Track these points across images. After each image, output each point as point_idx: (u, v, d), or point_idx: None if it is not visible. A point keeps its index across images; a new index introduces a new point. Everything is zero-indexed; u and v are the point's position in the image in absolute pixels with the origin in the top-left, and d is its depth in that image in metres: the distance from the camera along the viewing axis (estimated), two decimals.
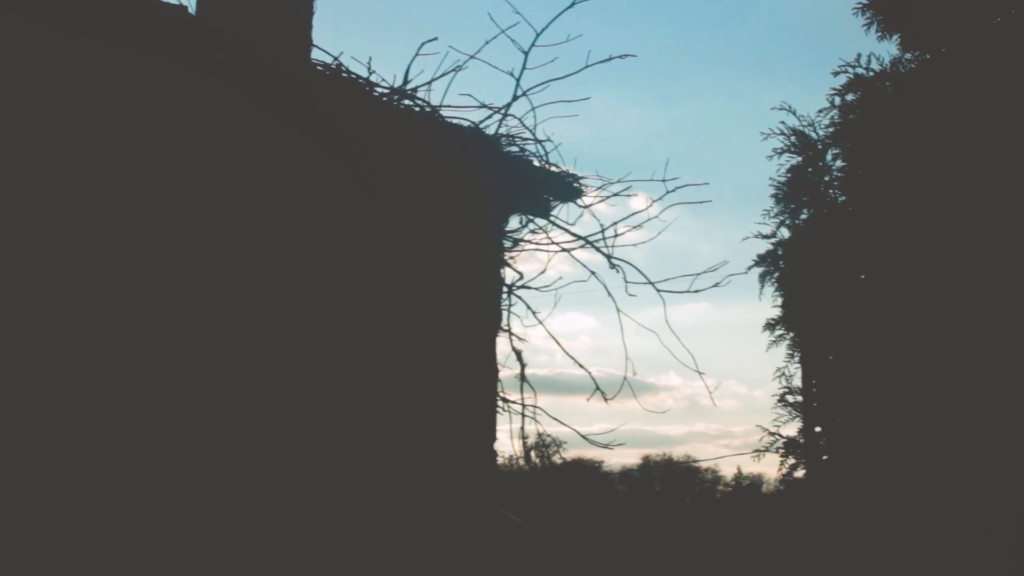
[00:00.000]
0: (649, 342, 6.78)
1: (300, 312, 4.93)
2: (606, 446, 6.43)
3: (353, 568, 4.87)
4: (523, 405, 6.39)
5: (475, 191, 5.89)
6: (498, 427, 6.06)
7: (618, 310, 6.59)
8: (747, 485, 46.03)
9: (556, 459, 7.44)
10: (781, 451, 11.61)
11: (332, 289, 5.10)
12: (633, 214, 6.54)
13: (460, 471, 5.67)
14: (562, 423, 6.53)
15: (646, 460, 49.42)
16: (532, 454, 7.11)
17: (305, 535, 4.68)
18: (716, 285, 6.53)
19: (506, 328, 6.46)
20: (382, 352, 5.26)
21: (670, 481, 47.64)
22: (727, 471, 73.29)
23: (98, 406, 4.15)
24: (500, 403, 6.22)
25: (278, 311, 4.84)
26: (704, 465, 50.76)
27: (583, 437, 6.43)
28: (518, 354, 6.50)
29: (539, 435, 6.89)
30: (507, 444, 6.64)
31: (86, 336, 4.18)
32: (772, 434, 11.42)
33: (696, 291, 6.49)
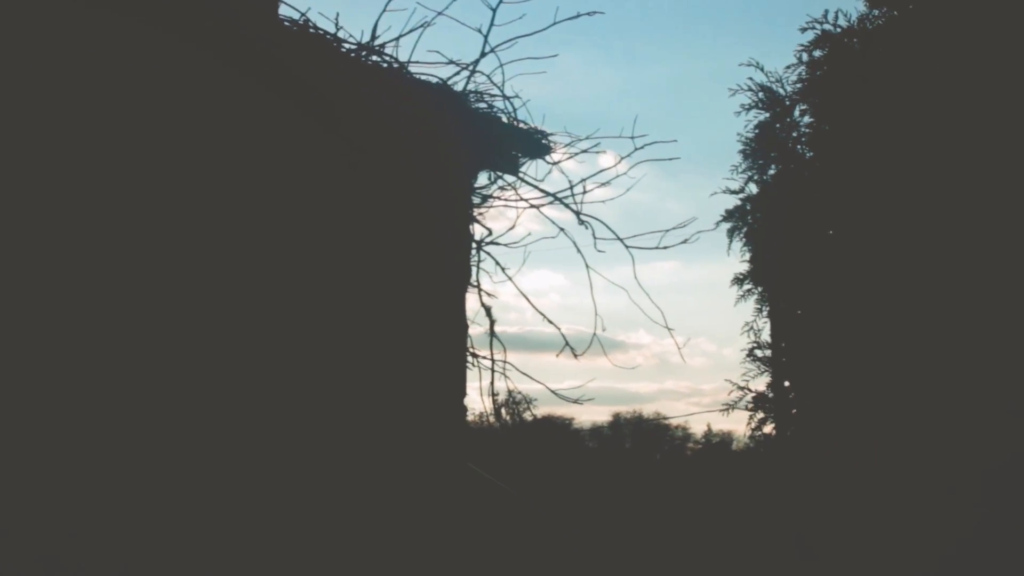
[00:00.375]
0: (618, 299, 6.87)
1: (266, 268, 4.96)
2: (576, 401, 6.53)
3: (320, 522, 4.94)
4: (492, 360, 6.47)
5: (443, 147, 5.93)
6: (468, 384, 6.13)
7: (587, 267, 6.67)
8: (717, 442, 46.50)
9: (526, 416, 7.52)
10: (750, 406, 11.73)
11: (299, 246, 5.14)
12: (601, 171, 6.61)
13: (429, 426, 5.74)
14: (532, 378, 6.62)
15: (616, 417, 49.81)
16: (502, 411, 7.19)
17: (269, 488, 4.74)
18: (685, 242, 6.62)
19: (475, 284, 6.53)
20: (350, 307, 5.31)
21: (640, 438, 48.04)
22: (697, 428, 73.80)
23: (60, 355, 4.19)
24: (469, 359, 6.29)
25: (243, 269, 4.88)
26: (674, 422, 51.15)
27: (553, 392, 6.53)
28: (487, 310, 6.57)
29: (509, 392, 6.98)
30: (477, 401, 6.73)
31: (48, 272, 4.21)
32: (741, 388, 11.54)
33: (665, 247, 6.58)
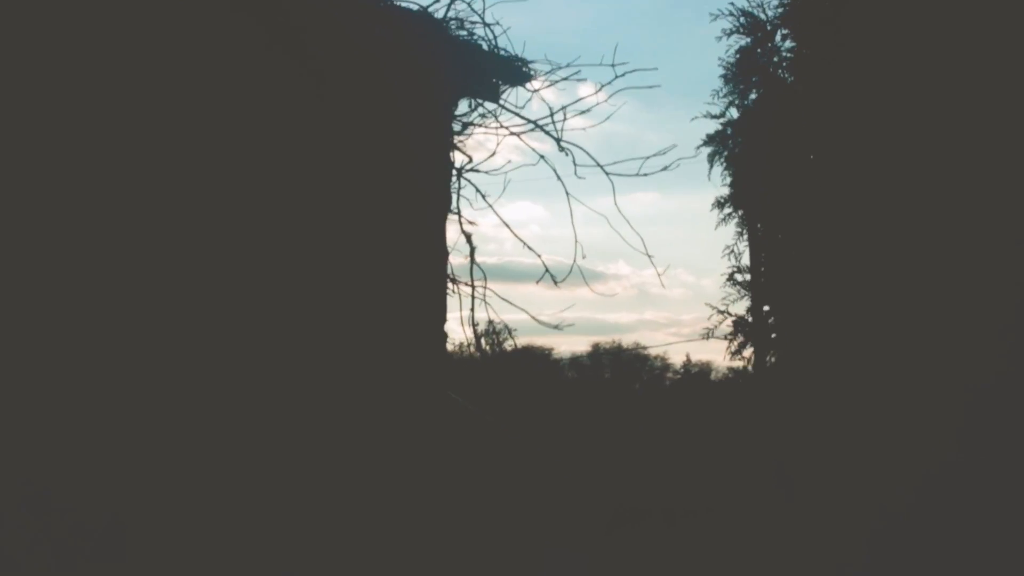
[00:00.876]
0: (598, 231, 6.96)
1: (246, 198, 5.02)
2: (556, 327, 6.63)
3: (301, 447, 5.03)
4: (473, 287, 6.56)
5: (423, 74, 5.97)
6: (449, 314, 6.22)
7: (567, 194, 6.75)
8: (696, 372, 46.84)
9: (506, 346, 7.62)
10: (730, 335, 11.87)
11: (279, 174, 5.19)
12: (581, 99, 6.66)
13: (410, 353, 5.83)
14: (512, 304, 6.71)
15: (596, 348, 50.08)
16: (482, 341, 7.27)
17: (250, 409, 4.82)
18: (665, 169, 6.70)
19: (456, 211, 6.59)
20: (331, 234, 5.37)
21: (620, 368, 48.35)
22: (676, 358, 74.24)
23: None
24: (450, 286, 6.37)
25: (223, 198, 4.92)
26: (653, 352, 51.57)
27: (533, 318, 6.62)
28: (468, 237, 6.64)
29: (490, 322, 7.06)
30: (458, 331, 6.81)
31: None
32: (721, 313, 11.69)
33: (645, 175, 6.66)
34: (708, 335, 11.77)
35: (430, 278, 6.00)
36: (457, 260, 6.53)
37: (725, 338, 12.04)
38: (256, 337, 4.95)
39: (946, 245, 9.43)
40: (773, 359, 11.25)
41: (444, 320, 6.09)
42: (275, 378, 4.96)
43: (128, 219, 4.53)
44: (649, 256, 7.00)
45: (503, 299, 6.67)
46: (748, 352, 11.57)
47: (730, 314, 11.60)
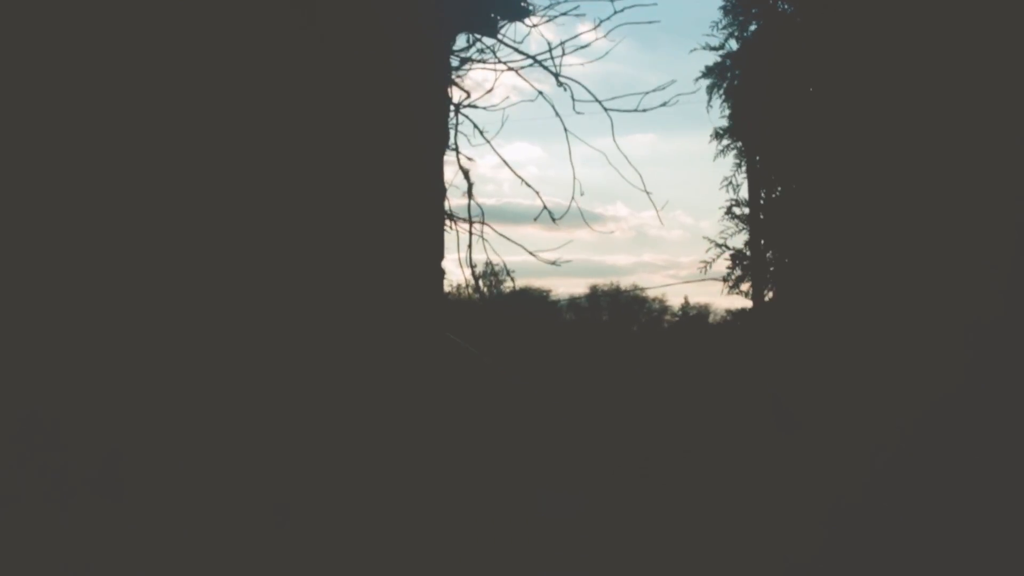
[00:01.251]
0: (596, 172, 6.97)
1: (240, 132, 5.00)
2: (554, 263, 6.62)
3: (296, 391, 5.05)
4: (471, 223, 6.55)
5: (420, 7, 5.92)
6: (446, 253, 6.22)
7: (566, 130, 6.72)
8: (694, 315, 47.00)
9: (504, 288, 7.61)
10: (729, 268, 11.90)
11: (270, 108, 5.16)
12: (580, 35, 6.62)
13: (407, 291, 5.83)
14: (509, 239, 6.70)
15: (593, 289, 50.17)
16: (480, 282, 7.26)
17: (247, 343, 4.83)
18: (664, 104, 6.66)
19: (454, 147, 6.57)
20: (326, 168, 5.36)
21: (618, 310, 48.48)
22: (674, 301, 74.48)
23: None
24: (448, 223, 6.36)
25: (216, 133, 4.90)
26: (651, 294, 51.67)
27: (531, 254, 6.61)
28: (465, 173, 6.62)
29: (487, 263, 7.05)
30: (455, 273, 6.82)
31: None
32: (719, 246, 11.73)
33: (644, 110, 6.63)
34: (706, 268, 11.83)
35: (427, 215, 5.99)
36: (455, 201, 6.52)
37: (724, 279, 12.08)
38: (252, 266, 4.94)
39: (948, 178, 9.42)
40: (771, 293, 11.29)
41: (441, 257, 6.09)
42: (271, 311, 4.96)
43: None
44: (647, 193, 7.00)
45: (501, 235, 6.67)
46: (746, 286, 11.62)
47: (728, 248, 11.64)
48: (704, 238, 21.64)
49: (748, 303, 11.80)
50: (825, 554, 9.75)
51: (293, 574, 4.79)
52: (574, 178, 6.83)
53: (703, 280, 12.03)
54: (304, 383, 5.14)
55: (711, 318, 44.38)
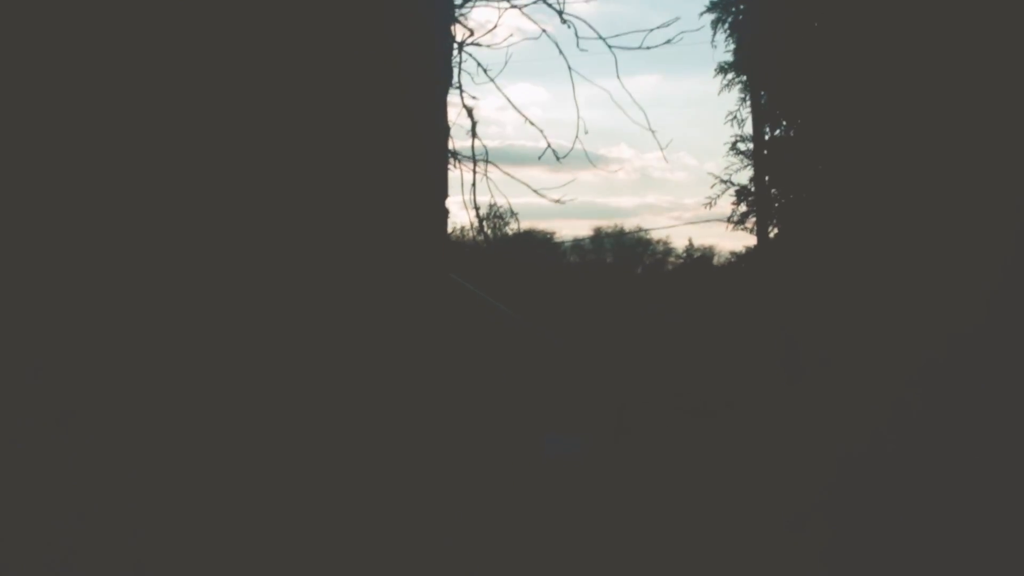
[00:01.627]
0: (600, 113, 6.93)
1: (241, 70, 4.97)
2: (558, 201, 6.61)
3: (296, 329, 5.08)
4: (474, 161, 6.53)
5: None
6: (450, 195, 6.21)
7: (569, 68, 6.66)
8: (698, 257, 47.01)
9: (508, 230, 7.61)
10: (733, 204, 11.90)
11: (276, 45, 5.14)
12: None
13: (410, 229, 5.83)
14: (513, 177, 6.68)
15: (598, 232, 50.16)
16: (484, 224, 7.27)
17: (248, 282, 4.85)
18: (668, 42, 6.59)
19: (457, 86, 6.54)
20: (331, 106, 5.34)
21: (622, 252, 48.50)
22: (678, 243, 74.51)
23: None
24: (451, 162, 6.35)
25: (218, 72, 4.89)
26: (656, 236, 51.63)
27: (535, 192, 6.58)
28: (469, 111, 6.58)
29: (491, 205, 7.05)
30: (460, 215, 6.80)
31: None
32: (724, 182, 11.73)
33: (648, 48, 6.58)
34: (711, 204, 11.83)
35: (431, 152, 5.98)
36: (459, 142, 6.50)
37: (728, 219, 12.09)
38: (253, 204, 4.94)
39: (959, 119, 9.32)
40: (776, 229, 11.28)
41: (445, 195, 6.08)
42: (272, 248, 4.97)
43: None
44: (652, 132, 6.95)
45: (506, 173, 6.64)
46: (751, 222, 11.63)
47: (733, 184, 11.64)
48: (709, 174, 21.56)
49: (752, 240, 11.81)
50: (832, 497, 9.76)
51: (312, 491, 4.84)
52: (578, 117, 6.79)
53: (708, 221, 12.05)
54: (305, 323, 5.16)
55: (715, 260, 44.43)
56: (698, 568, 8.82)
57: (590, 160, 7.01)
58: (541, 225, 54.43)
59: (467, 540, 5.67)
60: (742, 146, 11.65)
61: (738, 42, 11.54)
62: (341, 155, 5.44)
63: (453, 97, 6.71)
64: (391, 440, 5.38)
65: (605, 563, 9.17)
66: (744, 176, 11.77)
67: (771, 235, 11.49)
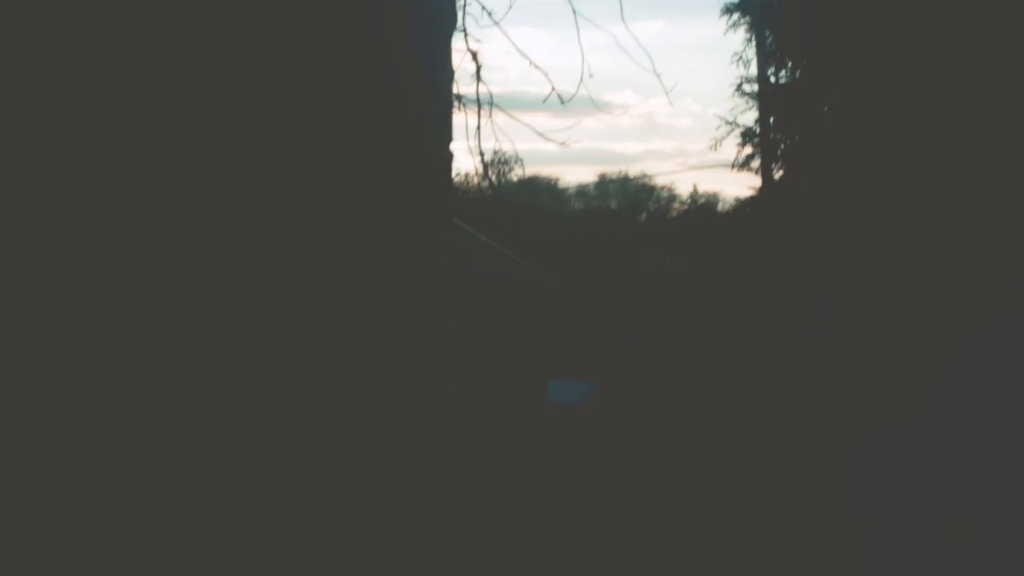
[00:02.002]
0: (605, 60, 6.89)
1: (245, 27, 4.96)
2: (563, 143, 6.61)
3: (299, 273, 5.10)
4: (479, 103, 6.52)
5: None
6: (455, 140, 6.20)
7: (574, 11, 6.65)
8: (703, 203, 46.92)
9: (512, 176, 7.60)
10: (738, 157, 11.88)
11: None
12: None
13: (414, 173, 5.84)
14: (519, 120, 6.67)
15: (602, 178, 50.05)
16: (489, 170, 7.27)
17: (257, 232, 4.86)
18: None
19: (461, 28, 6.51)
20: (336, 48, 5.33)
21: (626, 198, 48.40)
22: (683, 189, 74.20)
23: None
24: (456, 105, 6.34)
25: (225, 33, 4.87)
26: (660, 183, 51.49)
27: (540, 135, 6.58)
28: (474, 55, 6.56)
29: (496, 151, 7.05)
30: (464, 161, 6.80)
31: None
32: (728, 124, 11.71)
33: None
34: (716, 146, 11.82)
35: (436, 96, 5.97)
36: (463, 88, 6.49)
37: (733, 165, 12.07)
38: (256, 150, 4.95)
39: (972, 56, 9.13)
40: (781, 171, 11.25)
41: (450, 139, 6.08)
42: (280, 193, 4.98)
43: None
44: (657, 75, 6.94)
45: (510, 115, 6.63)
46: (755, 164, 11.62)
47: (738, 125, 11.60)
48: (714, 115, 21.39)
49: (757, 181, 11.78)
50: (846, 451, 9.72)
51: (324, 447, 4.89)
52: (583, 60, 6.78)
53: (713, 167, 12.05)
54: (306, 262, 5.18)
55: (720, 206, 44.34)
56: (697, 520, 8.85)
57: (595, 104, 7.01)
58: (545, 171, 54.24)
59: (467, 486, 5.71)
60: (747, 87, 11.61)
61: None
62: (343, 97, 5.43)
63: (458, 43, 6.72)
64: (390, 381, 5.41)
65: (605, 510, 9.22)
66: (749, 118, 11.73)
67: (776, 177, 11.47)
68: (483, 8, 6.69)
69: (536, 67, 6.81)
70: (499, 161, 7.22)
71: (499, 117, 6.63)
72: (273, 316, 4.93)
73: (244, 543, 4.67)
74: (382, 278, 5.50)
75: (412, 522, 5.26)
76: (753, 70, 11.56)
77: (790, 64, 11.02)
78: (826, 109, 10.11)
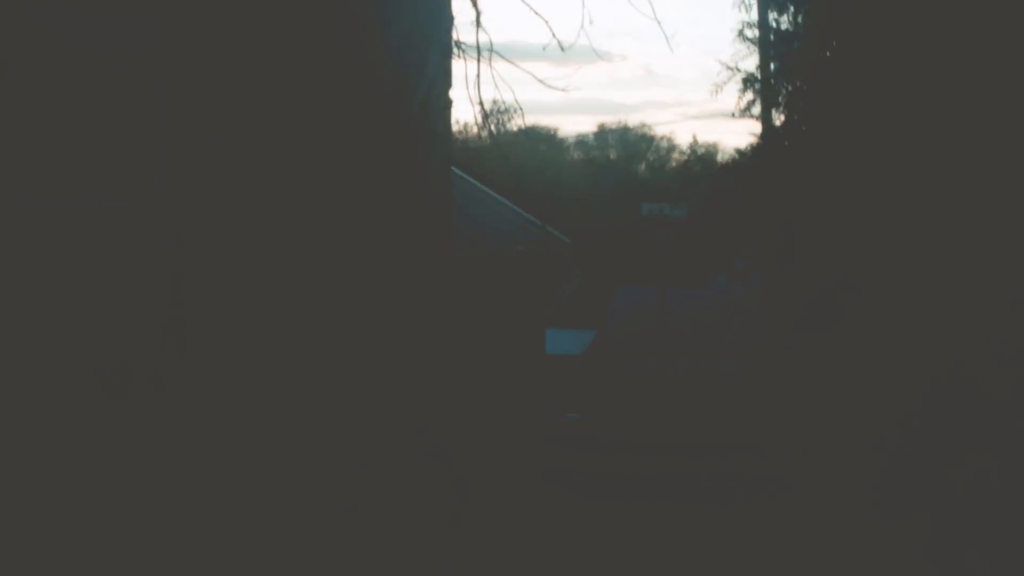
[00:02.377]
0: (605, 8, 6.80)
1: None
2: (563, 89, 6.57)
3: (305, 220, 5.08)
4: (479, 51, 6.46)
5: None
6: (454, 87, 6.17)
7: None
8: (703, 153, 46.78)
9: (512, 126, 7.56)
10: (739, 105, 11.80)
11: None
12: None
13: (414, 118, 5.80)
14: (518, 66, 6.60)
15: (601, 128, 49.78)
16: (488, 120, 7.22)
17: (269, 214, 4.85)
18: None
19: None
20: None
21: (625, 148, 48.17)
22: (682, 139, 73.93)
23: None
24: (456, 51, 6.28)
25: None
26: (659, 133, 51.35)
27: (540, 81, 6.52)
28: (473, 1, 6.50)
29: (495, 101, 6.99)
30: (463, 110, 6.74)
31: None
32: (730, 69, 11.63)
33: None
34: (717, 91, 11.76)
35: (435, 41, 5.93)
36: (462, 35, 6.41)
37: (732, 115, 12.01)
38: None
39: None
40: (782, 117, 11.16)
41: (450, 84, 6.05)
42: (285, 136, 4.97)
43: None
44: (658, 22, 6.89)
45: (510, 61, 6.56)
46: (756, 110, 11.53)
47: (739, 70, 11.54)
48: (716, 60, 21.28)
49: (758, 128, 11.69)
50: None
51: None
52: (583, 5, 6.71)
53: (713, 116, 12.00)
54: (311, 208, 5.17)
55: (719, 156, 44.21)
56: (695, 478, 8.84)
57: (595, 52, 6.94)
58: (544, 121, 53.94)
59: (462, 436, 5.73)
60: (749, 33, 11.49)
61: None
62: (351, 46, 5.40)
63: None
64: (389, 338, 5.42)
65: (603, 470, 9.21)
66: (751, 64, 11.63)
67: (776, 124, 11.39)
68: None
69: (536, 13, 6.75)
70: (499, 111, 7.17)
71: (498, 65, 6.56)
72: (270, 263, 4.92)
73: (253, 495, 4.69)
74: (384, 224, 5.48)
75: (411, 489, 5.28)
76: (755, 15, 11.45)
77: (792, 8, 10.89)
78: (828, 54, 9.97)
